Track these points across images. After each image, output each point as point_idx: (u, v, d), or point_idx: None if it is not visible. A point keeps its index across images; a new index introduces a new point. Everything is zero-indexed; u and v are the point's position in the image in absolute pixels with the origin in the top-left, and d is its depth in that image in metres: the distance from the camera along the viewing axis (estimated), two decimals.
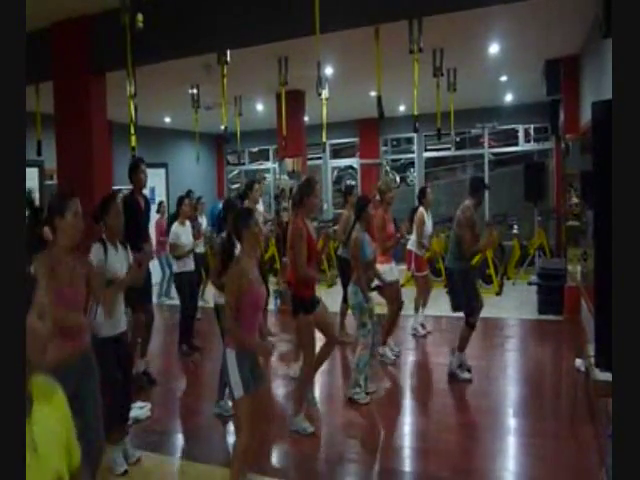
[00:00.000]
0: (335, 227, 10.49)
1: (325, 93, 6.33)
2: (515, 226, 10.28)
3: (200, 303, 7.66)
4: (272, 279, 8.68)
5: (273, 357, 5.95)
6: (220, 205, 11.63)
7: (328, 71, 7.35)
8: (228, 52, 5.59)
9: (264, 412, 3.39)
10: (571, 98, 7.62)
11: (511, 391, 5.12)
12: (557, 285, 7.34)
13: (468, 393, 5.05)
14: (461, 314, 5.22)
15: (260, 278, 3.27)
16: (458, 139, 12.17)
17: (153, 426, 4.47)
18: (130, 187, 5.27)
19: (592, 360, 2.95)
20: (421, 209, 6.65)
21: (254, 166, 14.30)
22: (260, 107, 10.20)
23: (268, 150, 13.77)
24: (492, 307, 7.44)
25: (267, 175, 13.49)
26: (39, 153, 6.53)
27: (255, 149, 14.13)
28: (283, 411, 4.70)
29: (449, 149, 12.21)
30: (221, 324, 4.50)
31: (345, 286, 5.81)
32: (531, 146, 11.61)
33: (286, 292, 7.33)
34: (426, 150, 12.43)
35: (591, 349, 3.40)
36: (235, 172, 14.80)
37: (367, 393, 4.81)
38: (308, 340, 4.22)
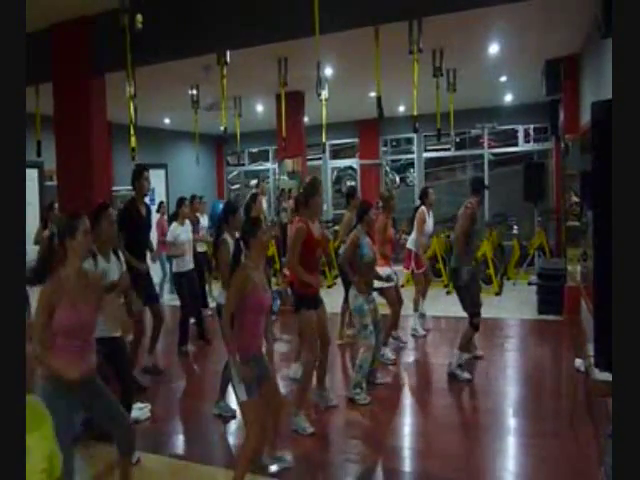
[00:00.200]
0: (335, 227, 10.51)
1: (325, 94, 6.33)
2: (515, 226, 10.28)
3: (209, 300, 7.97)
4: (272, 279, 8.68)
5: (273, 357, 5.94)
6: (220, 204, 11.66)
7: (328, 72, 7.35)
8: (228, 53, 5.59)
9: (273, 404, 3.40)
10: (571, 98, 7.62)
11: (511, 391, 5.11)
12: (557, 285, 7.34)
13: (468, 393, 5.05)
14: (461, 314, 5.22)
15: (266, 285, 3.34)
16: (458, 139, 12.18)
17: (153, 427, 4.47)
18: (129, 188, 5.27)
19: (592, 360, 2.95)
20: (422, 208, 6.72)
21: (254, 167, 14.31)
22: (260, 108, 10.21)
23: (268, 151, 13.77)
24: (492, 307, 7.44)
25: (267, 175, 13.49)
26: (39, 154, 6.53)
27: (255, 150, 14.13)
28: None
29: (449, 149, 12.22)
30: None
31: (347, 286, 5.82)
32: (531, 146, 11.62)
33: (286, 292, 7.34)
34: (426, 150, 12.44)
35: (591, 349, 3.40)
36: (235, 173, 14.80)
37: (377, 383, 4.99)
38: (310, 334, 4.24)
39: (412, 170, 12.73)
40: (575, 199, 7.70)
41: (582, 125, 6.77)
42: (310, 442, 4.07)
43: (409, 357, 6.14)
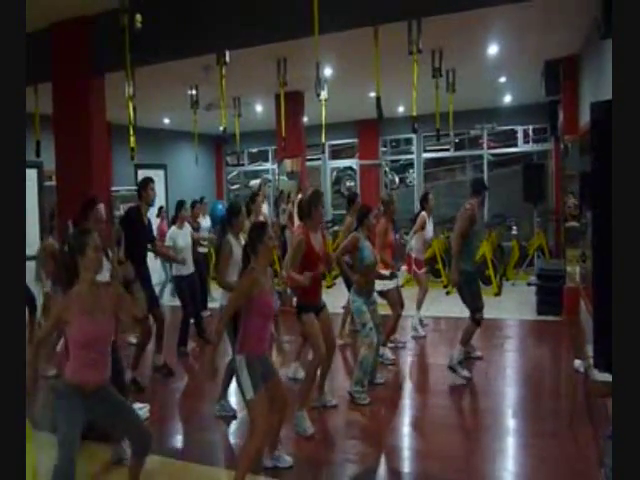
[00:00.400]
0: (335, 228, 10.52)
1: (324, 94, 6.33)
2: (514, 227, 10.28)
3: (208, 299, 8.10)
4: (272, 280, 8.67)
5: (273, 358, 5.93)
6: (220, 205, 11.65)
7: (327, 72, 7.35)
8: (227, 53, 5.59)
9: (277, 402, 3.40)
10: (570, 99, 7.62)
11: (510, 392, 5.11)
12: (556, 286, 7.34)
13: (468, 393, 5.05)
14: (461, 315, 5.22)
15: (273, 289, 3.35)
16: (457, 140, 12.19)
17: (153, 427, 4.46)
18: (129, 188, 5.30)
19: (591, 361, 2.95)
20: (423, 214, 6.84)
21: (253, 167, 14.31)
22: (259, 108, 10.20)
23: (267, 151, 13.77)
24: (491, 308, 7.42)
25: (266, 175, 13.48)
26: (38, 154, 6.52)
27: (254, 150, 14.13)
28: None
29: (448, 150, 12.22)
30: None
31: (349, 287, 5.83)
32: (530, 147, 11.62)
33: (286, 292, 7.34)
34: (425, 151, 12.44)
35: (590, 350, 3.40)
36: (234, 173, 14.79)
37: (376, 383, 5.01)
38: (315, 335, 4.24)
39: (411, 170, 12.73)
40: (573, 201, 7.71)
41: (581, 126, 6.77)
42: (310, 442, 4.07)
43: (408, 357, 6.14)
